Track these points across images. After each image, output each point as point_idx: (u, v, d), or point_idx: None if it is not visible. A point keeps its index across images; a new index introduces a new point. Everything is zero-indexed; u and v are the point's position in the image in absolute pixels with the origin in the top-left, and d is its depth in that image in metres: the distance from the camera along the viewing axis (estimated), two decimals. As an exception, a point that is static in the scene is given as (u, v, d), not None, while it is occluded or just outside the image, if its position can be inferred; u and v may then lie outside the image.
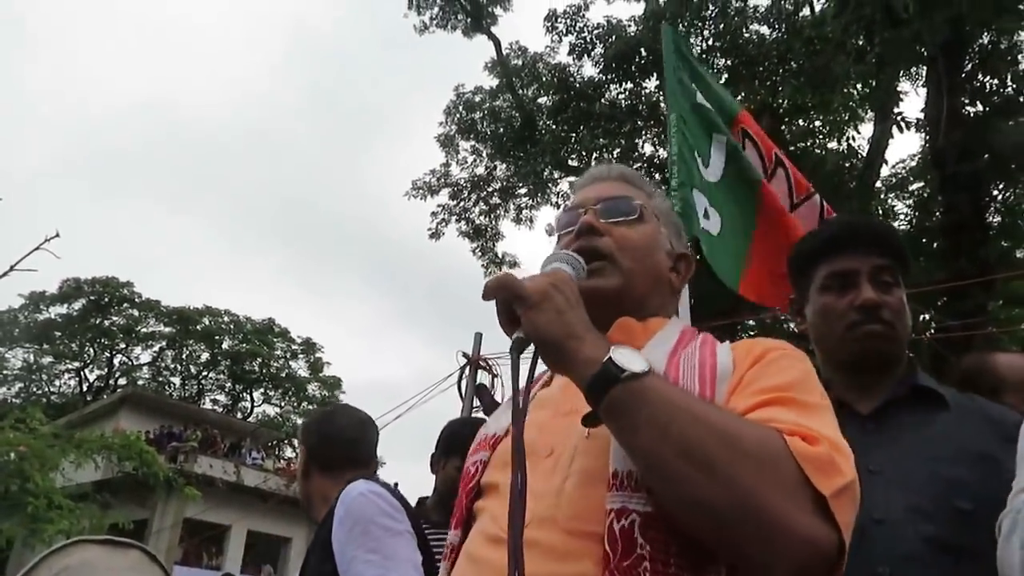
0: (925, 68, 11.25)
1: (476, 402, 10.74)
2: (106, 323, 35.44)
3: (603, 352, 0.90)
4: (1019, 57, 10.93)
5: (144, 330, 35.99)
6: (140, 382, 35.33)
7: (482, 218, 17.50)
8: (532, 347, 0.96)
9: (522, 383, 0.92)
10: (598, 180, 1.31)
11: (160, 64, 71.03)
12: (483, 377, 11.06)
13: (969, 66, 10.92)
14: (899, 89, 12.09)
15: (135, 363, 37.03)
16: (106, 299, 35.23)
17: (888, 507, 1.36)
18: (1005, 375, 1.96)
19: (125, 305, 35.68)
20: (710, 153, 3.60)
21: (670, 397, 0.88)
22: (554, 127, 15.74)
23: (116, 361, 36.98)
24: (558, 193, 16.71)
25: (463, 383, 11.08)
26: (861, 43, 10.60)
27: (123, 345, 36.33)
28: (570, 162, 15.88)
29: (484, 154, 17.41)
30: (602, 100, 15.33)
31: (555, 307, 0.94)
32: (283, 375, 36.93)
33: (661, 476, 0.87)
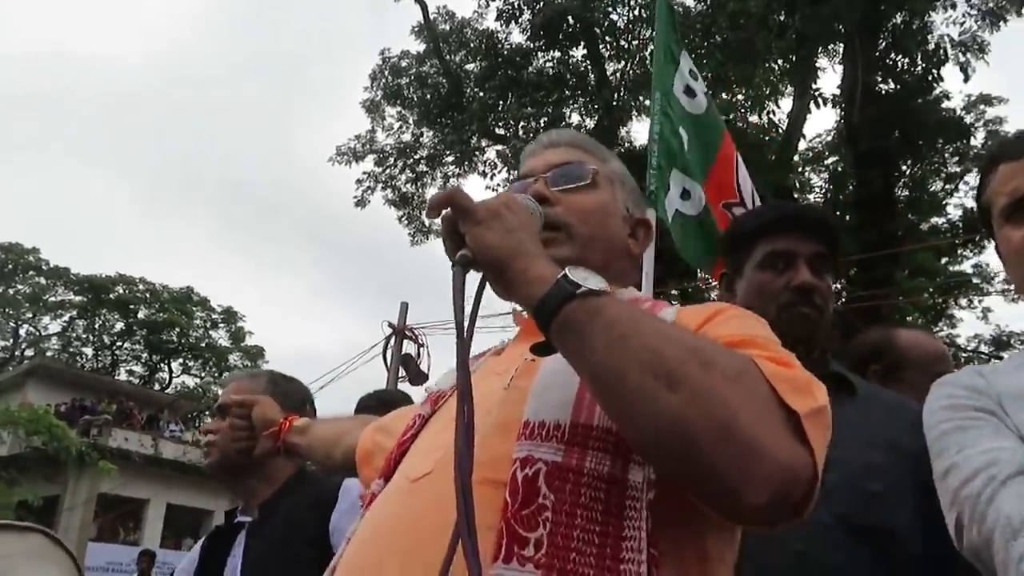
0: (843, 45, 11.58)
1: (402, 372, 10.72)
2: (10, 291, 33.71)
3: (556, 269, 0.85)
4: (928, 37, 11.36)
5: (52, 299, 34.39)
6: (49, 353, 33.80)
7: (408, 186, 17.28)
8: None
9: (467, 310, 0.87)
10: (548, 147, 1.24)
11: (67, 10, 67.16)
12: (409, 347, 11.06)
13: (883, 45, 11.30)
14: (817, 65, 12.47)
15: (43, 333, 35.43)
16: (10, 266, 33.48)
17: None
18: (906, 351, 1.99)
19: (31, 272, 33.97)
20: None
21: (631, 313, 0.82)
22: (481, 95, 15.59)
23: (22, 331, 35.29)
24: (485, 162, 16.63)
25: (388, 353, 11.03)
26: (783, 19, 10.83)
27: (30, 315, 34.65)
28: (497, 130, 15.79)
29: (411, 121, 17.14)
30: (530, 68, 15.26)
31: (505, 225, 0.89)
32: (203, 345, 35.93)
33: (622, 395, 0.78)
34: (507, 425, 0.91)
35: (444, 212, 0.91)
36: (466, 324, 0.85)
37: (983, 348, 17.39)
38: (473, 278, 0.90)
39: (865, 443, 1.44)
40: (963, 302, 16.80)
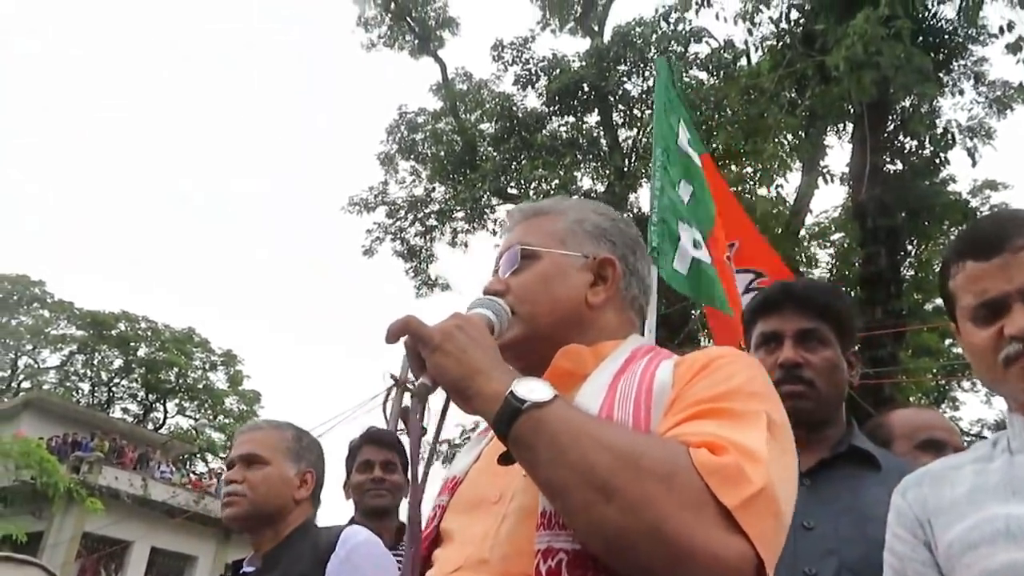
0: (852, 125, 11.79)
1: (401, 425, 10.64)
2: (13, 323, 33.67)
3: (507, 384, 0.89)
4: (936, 121, 11.58)
5: (54, 332, 34.31)
6: (46, 387, 33.57)
7: (417, 239, 17.42)
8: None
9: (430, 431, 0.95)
10: (504, 233, 1.30)
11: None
12: (410, 400, 10.96)
13: (891, 126, 11.50)
14: (826, 143, 12.68)
15: (42, 366, 35.23)
16: (15, 297, 33.52)
17: (820, 562, 1.42)
18: (893, 426, 2.09)
19: (35, 304, 33.99)
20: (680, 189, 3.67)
21: (572, 423, 0.86)
22: (495, 155, 15.85)
23: (20, 363, 35.10)
24: (495, 220, 16.81)
25: (388, 404, 10.95)
26: (793, 96, 11.07)
27: (30, 347, 34.54)
28: (509, 190, 16.00)
29: (423, 175, 17.40)
30: (543, 132, 15.53)
31: (458, 347, 0.93)
32: (200, 386, 35.66)
33: (566, 507, 0.86)
34: (527, 512, 0.95)
35: (403, 338, 0.96)
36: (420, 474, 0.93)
37: (986, 433, 17.21)
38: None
39: (881, 518, 1.43)
40: (966, 384, 16.70)
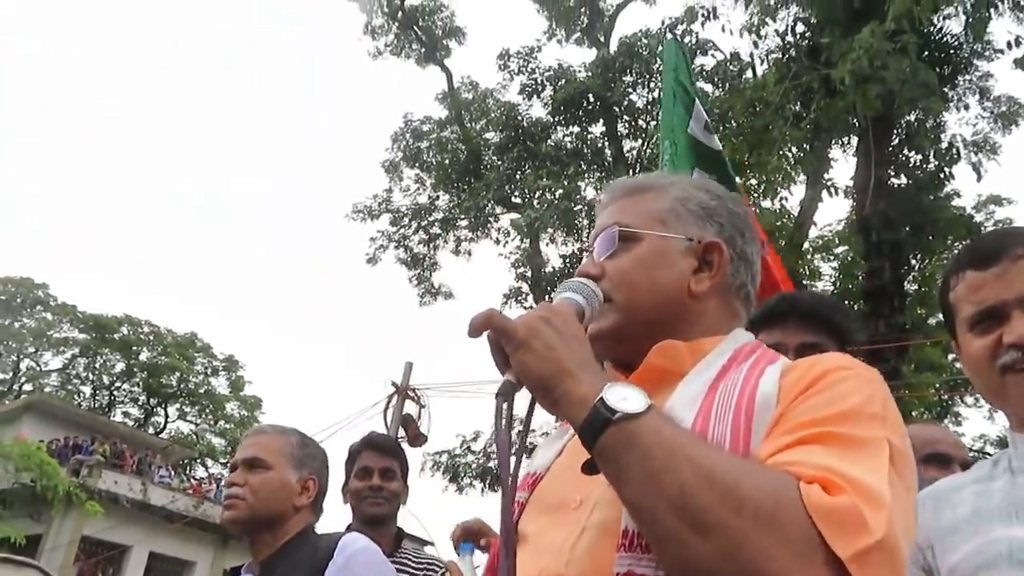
0: (856, 138, 11.80)
1: (401, 432, 10.59)
2: (16, 325, 33.74)
3: (597, 389, 0.81)
4: (941, 136, 11.58)
5: (57, 335, 34.38)
6: (47, 389, 33.61)
7: (421, 247, 17.47)
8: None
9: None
10: (599, 210, 1.18)
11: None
12: (411, 407, 10.93)
13: (896, 140, 11.51)
14: (831, 156, 12.68)
15: (43, 369, 35.29)
16: (18, 300, 33.62)
17: None
18: None
19: (39, 307, 34.08)
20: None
21: (668, 440, 0.77)
22: (499, 164, 15.90)
23: (23, 366, 35.16)
24: (499, 228, 16.83)
25: (390, 412, 10.92)
26: (798, 109, 11.08)
27: (32, 349, 34.61)
28: (513, 199, 16.03)
29: (428, 183, 17.45)
30: (548, 142, 15.58)
31: (544, 343, 0.85)
32: (201, 391, 35.69)
33: (653, 533, 0.77)
34: (608, 528, 0.87)
35: (486, 333, 0.89)
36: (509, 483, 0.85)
37: (988, 449, 17.13)
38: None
39: None
40: (969, 399, 16.64)
